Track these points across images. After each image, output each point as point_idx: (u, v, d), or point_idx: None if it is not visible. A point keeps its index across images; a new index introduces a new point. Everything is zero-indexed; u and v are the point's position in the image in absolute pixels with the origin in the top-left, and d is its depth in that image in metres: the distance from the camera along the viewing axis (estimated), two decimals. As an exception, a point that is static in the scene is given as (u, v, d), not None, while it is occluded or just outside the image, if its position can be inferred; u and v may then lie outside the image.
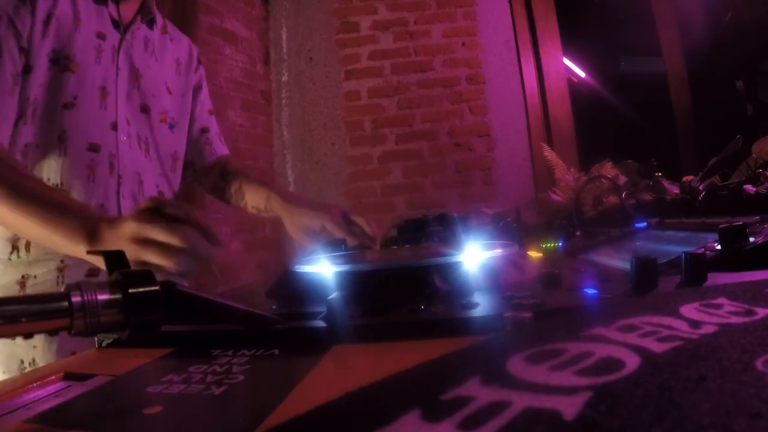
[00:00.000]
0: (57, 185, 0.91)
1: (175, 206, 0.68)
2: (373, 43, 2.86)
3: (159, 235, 0.64)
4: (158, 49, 1.10)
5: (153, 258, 0.64)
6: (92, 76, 0.95)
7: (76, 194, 0.92)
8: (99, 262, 0.65)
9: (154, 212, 0.66)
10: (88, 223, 0.69)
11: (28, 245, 0.90)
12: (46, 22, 0.88)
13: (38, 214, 0.70)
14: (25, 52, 0.86)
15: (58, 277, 0.91)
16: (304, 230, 1.03)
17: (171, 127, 1.11)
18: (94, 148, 0.94)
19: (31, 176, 0.80)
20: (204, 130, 1.20)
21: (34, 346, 0.88)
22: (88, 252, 0.66)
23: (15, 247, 0.90)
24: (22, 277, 0.90)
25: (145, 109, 1.05)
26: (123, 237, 0.65)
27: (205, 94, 1.22)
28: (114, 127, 0.97)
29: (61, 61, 0.90)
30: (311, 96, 2.87)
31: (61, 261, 0.91)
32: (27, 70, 0.87)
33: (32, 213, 0.70)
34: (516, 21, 2.97)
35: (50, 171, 0.90)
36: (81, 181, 0.93)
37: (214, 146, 1.21)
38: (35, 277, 0.90)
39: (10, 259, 0.90)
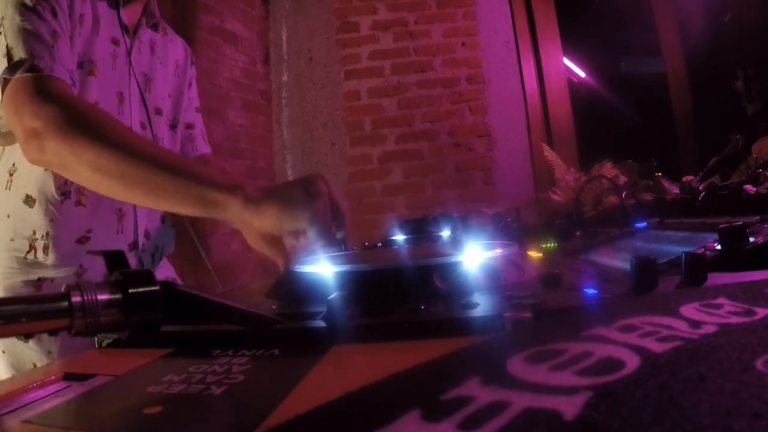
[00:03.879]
0: (80, 197, 0.90)
1: None
2: (373, 43, 2.86)
3: None
4: (162, 52, 1.10)
5: None
6: (110, 82, 0.95)
7: (100, 205, 0.91)
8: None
9: None
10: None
11: (46, 248, 0.89)
12: (80, 23, 0.88)
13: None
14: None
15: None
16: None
17: (172, 127, 1.12)
18: None
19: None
20: (189, 126, 1.20)
21: (49, 352, 0.87)
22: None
23: (32, 247, 0.89)
24: (38, 279, 0.90)
25: (158, 112, 1.06)
26: None
27: (194, 91, 1.21)
28: None
29: (85, 65, 0.90)
30: (311, 96, 2.87)
31: (80, 266, 0.91)
32: None
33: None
34: (516, 21, 2.97)
35: (72, 182, 0.89)
36: None
37: (196, 143, 1.20)
38: (52, 280, 0.90)
39: (26, 259, 0.89)
